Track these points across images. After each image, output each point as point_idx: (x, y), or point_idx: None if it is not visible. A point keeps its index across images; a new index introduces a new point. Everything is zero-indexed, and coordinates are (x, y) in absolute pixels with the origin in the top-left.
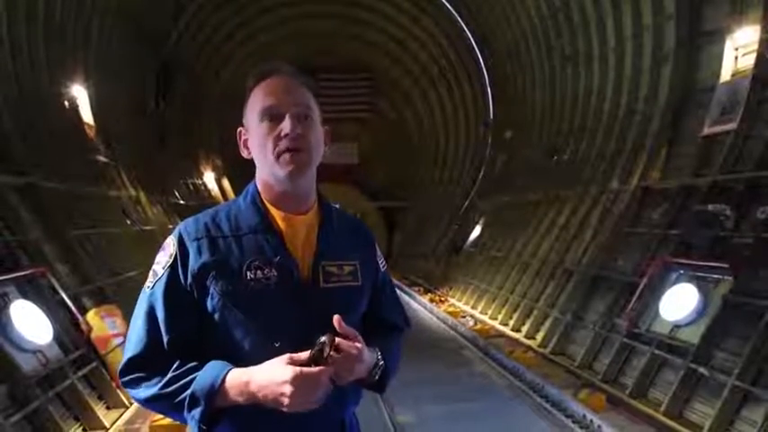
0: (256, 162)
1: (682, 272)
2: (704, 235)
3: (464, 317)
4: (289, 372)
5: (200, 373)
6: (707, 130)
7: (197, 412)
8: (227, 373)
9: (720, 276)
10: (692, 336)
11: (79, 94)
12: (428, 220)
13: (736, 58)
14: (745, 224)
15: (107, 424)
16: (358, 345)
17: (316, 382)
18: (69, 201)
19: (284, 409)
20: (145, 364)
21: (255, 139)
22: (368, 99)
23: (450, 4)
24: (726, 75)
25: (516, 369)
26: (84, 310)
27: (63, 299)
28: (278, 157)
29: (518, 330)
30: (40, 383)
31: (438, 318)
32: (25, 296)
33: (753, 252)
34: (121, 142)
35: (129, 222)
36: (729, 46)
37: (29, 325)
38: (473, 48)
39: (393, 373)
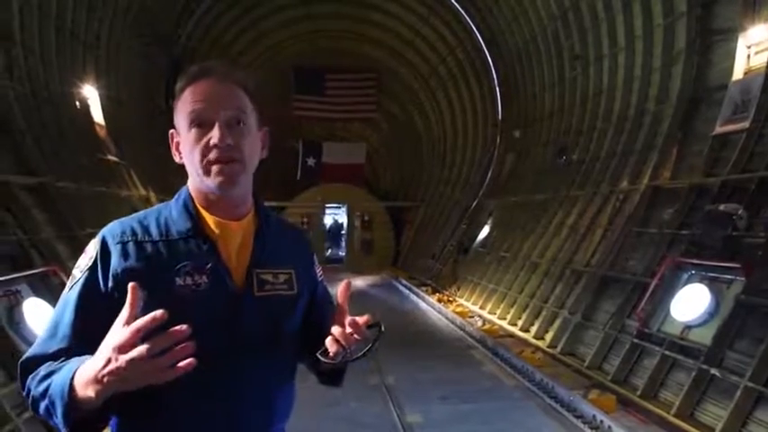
0: (187, 168)
1: (693, 272)
2: (716, 235)
3: (472, 317)
4: (104, 345)
5: (57, 373)
6: (718, 129)
7: (58, 421)
8: (78, 369)
9: (733, 277)
10: (704, 336)
11: (90, 94)
12: (436, 220)
13: (749, 56)
14: (758, 224)
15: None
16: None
17: (128, 342)
18: (80, 200)
19: (136, 386)
20: (38, 367)
21: (185, 145)
22: (376, 99)
23: (459, 4)
24: (738, 73)
25: (525, 369)
26: None
27: None
28: (207, 167)
29: (527, 330)
30: None
31: (446, 318)
32: (37, 294)
33: (765, 252)
34: (132, 142)
35: None
36: (742, 44)
37: (41, 322)
38: (482, 47)
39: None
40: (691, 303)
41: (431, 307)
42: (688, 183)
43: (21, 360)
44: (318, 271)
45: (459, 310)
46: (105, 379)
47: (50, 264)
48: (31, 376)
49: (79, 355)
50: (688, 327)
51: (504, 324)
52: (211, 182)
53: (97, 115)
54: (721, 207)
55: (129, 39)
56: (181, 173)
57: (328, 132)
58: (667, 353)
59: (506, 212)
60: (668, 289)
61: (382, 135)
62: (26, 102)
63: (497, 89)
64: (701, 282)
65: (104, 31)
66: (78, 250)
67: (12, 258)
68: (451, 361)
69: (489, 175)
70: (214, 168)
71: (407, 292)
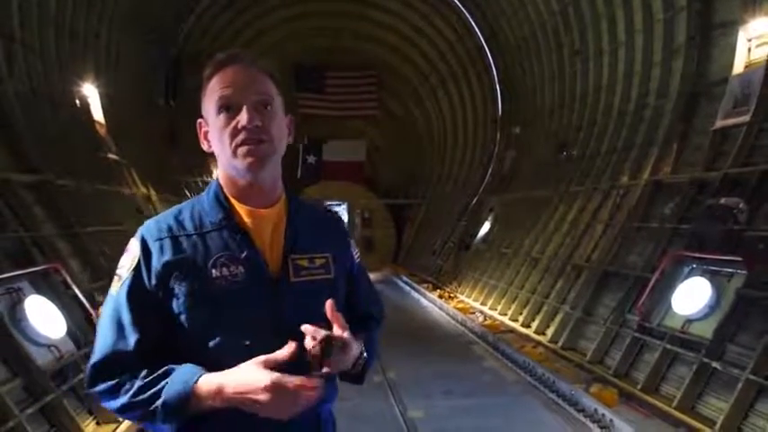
0: (216, 156)
1: (694, 266)
2: (717, 229)
3: (473, 313)
4: (265, 378)
5: (169, 379)
6: (719, 123)
7: (171, 421)
8: (197, 380)
9: (734, 270)
10: (705, 330)
11: (90, 92)
12: (437, 217)
13: (749, 49)
14: (759, 218)
15: (120, 418)
16: (346, 336)
17: (295, 391)
18: (81, 198)
19: (262, 415)
20: (112, 372)
21: (214, 131)
22: (376, 96)
23: (459, 1)
24: (738, 67)
25: (527, 364)
26: (96, 305)
27: (76, 294)
28: (236, 149)
29: (528, 326)
30: (54, 377)
31: (448, 314)
32: (39, 291)
33: (767, 246)
34: (131, 140)
35: (140, 220)
36: (742, 37)
37: (43, 319)
38: (482, 44)
39: (371, 364)
40: (692, 297)
41: (432, 303)
42: (689, 177)
43: (93, 362)
44: (355, 252)
45: (460, 306)
46: (241, 403)
47: (52, 261)
48: (115, 383)
49: (148, 349)
50: (689, 320)
51: (506, 320)
52: (240, 164)
53: (97, 113)
54: (722, 201)
55: (129, 38)
56: (183, 170)
57: (329, 130)
58: (668, 347)
59: (507, 209)
60: (669, 283)
61: (383, 132)
62: (26, 99)
63: (497, 85)
64: (701, 275)
65: (104, 29)
66: (79, 248)
67: (13, 256)
68: (453, 356)
69: (490, 171)
70: (243, 150)
71: (408, 288)
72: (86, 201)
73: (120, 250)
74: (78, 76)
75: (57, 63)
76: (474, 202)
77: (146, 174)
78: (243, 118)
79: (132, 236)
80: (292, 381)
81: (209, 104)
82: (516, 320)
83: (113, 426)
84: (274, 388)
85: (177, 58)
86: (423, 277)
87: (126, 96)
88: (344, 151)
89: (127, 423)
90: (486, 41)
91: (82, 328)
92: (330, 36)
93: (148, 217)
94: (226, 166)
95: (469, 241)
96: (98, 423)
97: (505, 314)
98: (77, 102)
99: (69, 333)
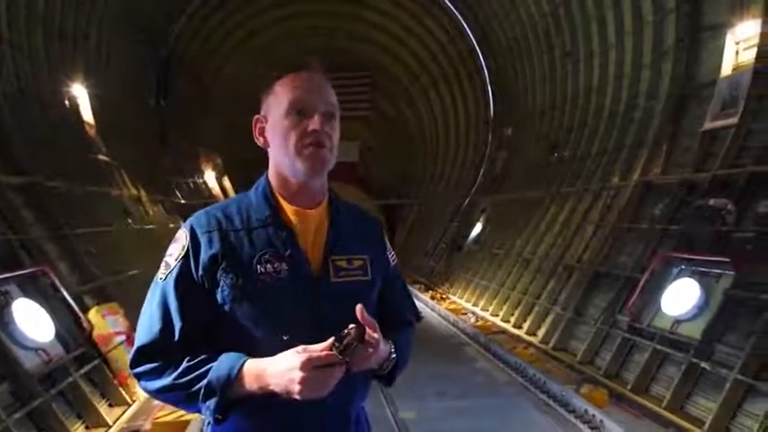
0: (273, 153)
1: (683, 267)
2: (706, 230)
3: (465, 314)
4: (298, 358)
5: (215, 363)
6: (708, 125)
7: (212, 402)
8: (243, 364)
9: (722, 271)
10: (694, 331)
11: (79, 93)
12: (429, 218)
13: (737, 52)
14: (747, 219)
15: (110, 421)
16: (376, 336)
17: (325, 367)
18: (70, 200)
19: (296, 397)
20: (155, 354)
21: (278, 130)
22: (368, 97)
23: (451, 2)
24: (726, 69)
25: (518, 365)
26: (85, 309)
27: (64, 297)
28: (301, 150)
29: (519, 327)
30: (42, 381)
31: (440, 315)
32: (27, 294)
33: (755, 247)
34: (122, 141)
35: (129, 221)
36: (730, 40)
37: (31, 323)
38: (473, 45)
39: (402, 366)
40: (681, 298)
41: (424, 304)
42: (678, 178)
43: (138, 345)
44: (391, 256)
45: (452, 307)
46: (278, 386)
47: (40, 264)
48: (158, 365)
49: (192, 336)
50: (678, 321)
51: (497, 320)
52: (302, 165)
53: (86, 114)
54: (711, 202)
55: (119, 38)
56: (173, 171)
57: None
58: (658, 347)
59: (499, 209)
60: (658, 284)
61: (375, 133)
62: (15, 100)
63: (489, 87)
64: (690, 276)
65: (93, 29)
66: (68, 250)
67: (0, 259)
68: (445, 357)
69: (482, 172)
70: (308, 152)
71: None
72: (76, 203)
73: (108, 252)
74: (67, 77)
75: (45, 64)
76: (466, 202)
77: (136, 175)
78: (316, 122)
79: (123, 237)
80: (320, 354)
81: (277, 104)
82: (508, 321)
83: (103, 429)
84: (306, 366)
85: (168, 58)
86: (415, 278)
87: (116, 97)
88: (338, 152)
89: (119, 425)
90: (477, 43)
91: (70, 331)
92: (325, 36)
93: (135, 218)
94: (283, 164)
95: (462, 242)
96: (87, 427)
97: (497, 315)
98: (67, 103)
99: (58, 336)
